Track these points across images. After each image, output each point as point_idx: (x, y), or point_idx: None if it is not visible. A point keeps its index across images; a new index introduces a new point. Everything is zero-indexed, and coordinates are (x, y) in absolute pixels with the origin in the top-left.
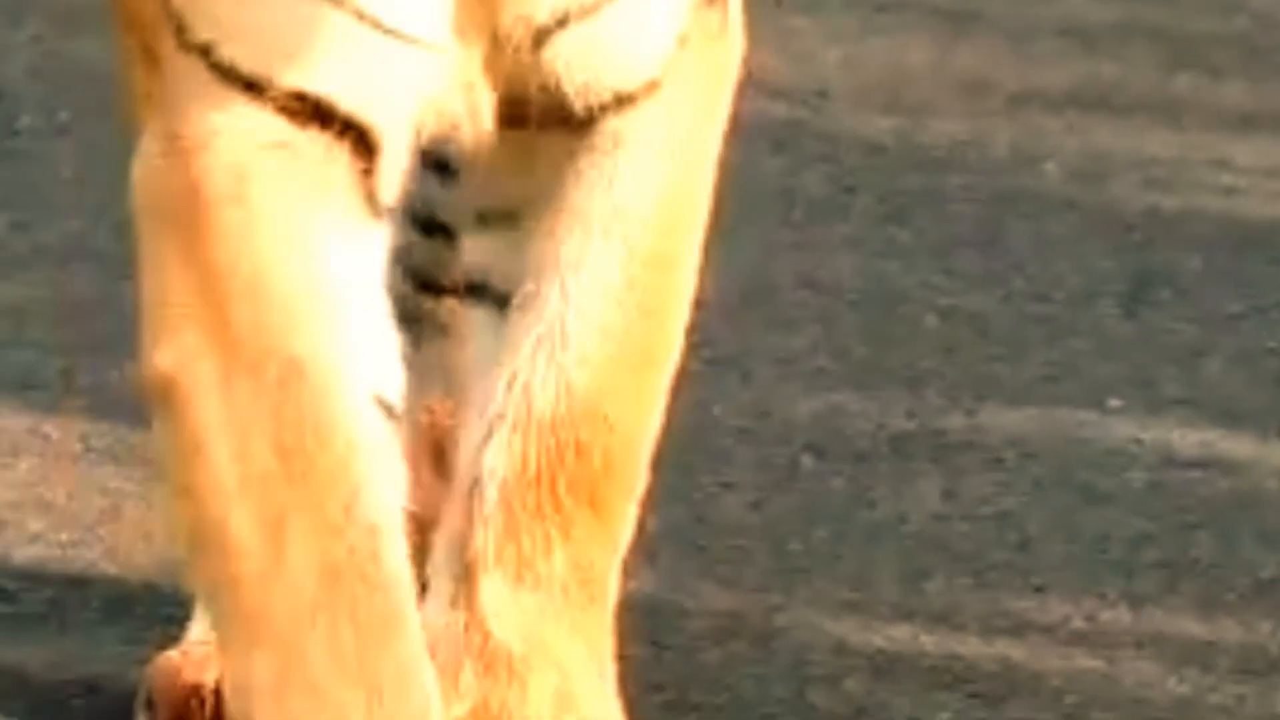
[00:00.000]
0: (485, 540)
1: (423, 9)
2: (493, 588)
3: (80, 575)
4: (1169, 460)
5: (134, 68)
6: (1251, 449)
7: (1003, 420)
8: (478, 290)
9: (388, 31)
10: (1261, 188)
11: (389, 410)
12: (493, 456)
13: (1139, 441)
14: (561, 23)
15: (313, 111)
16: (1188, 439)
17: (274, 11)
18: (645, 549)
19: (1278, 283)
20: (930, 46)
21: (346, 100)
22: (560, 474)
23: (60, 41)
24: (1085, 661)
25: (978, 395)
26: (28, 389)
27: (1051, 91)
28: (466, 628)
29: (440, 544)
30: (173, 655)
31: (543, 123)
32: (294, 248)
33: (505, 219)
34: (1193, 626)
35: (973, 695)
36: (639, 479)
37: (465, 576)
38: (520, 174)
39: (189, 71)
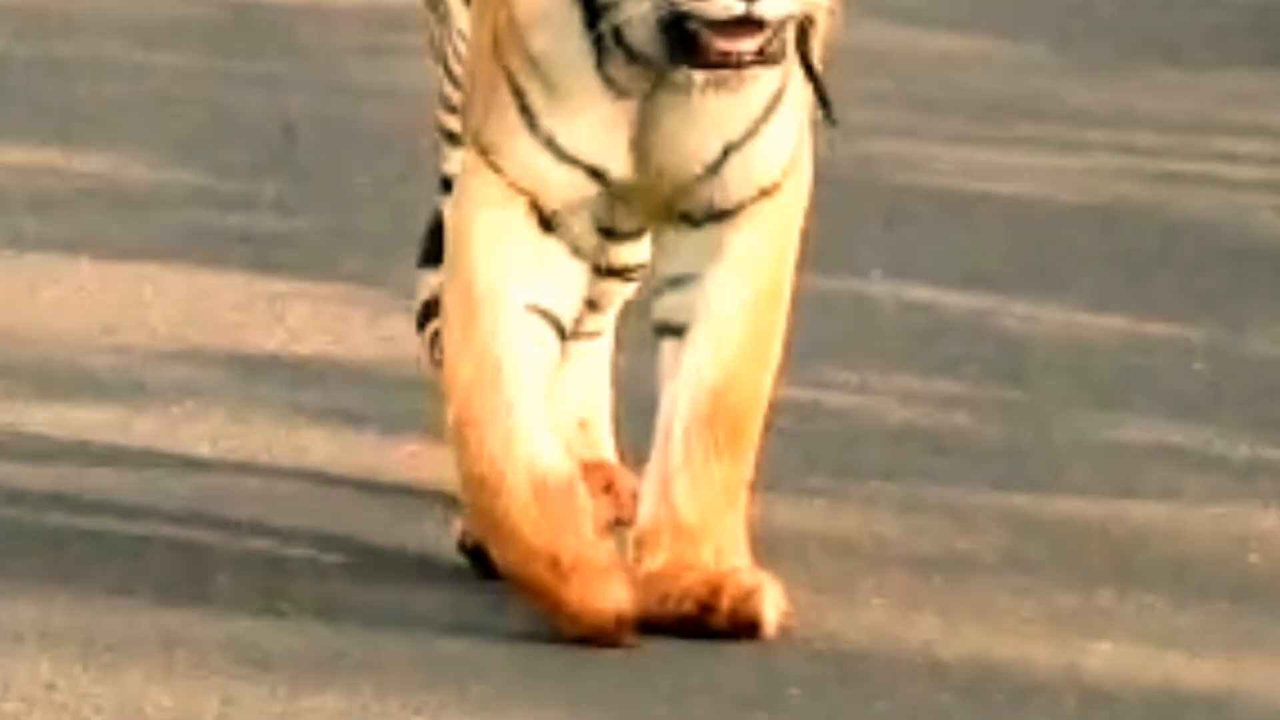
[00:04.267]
0: (676, 462)
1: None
2: (680, 490)
3: (437, 481)
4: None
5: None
6: (972, 301)
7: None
8: (669, 329)
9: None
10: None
11: (559, 330)
12: (679, 415)
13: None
14: (725, 155)
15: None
16: (930, 296)
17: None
18: None
19: (972, 234)
20: None
21: (558, 204)
22: (716, 423)
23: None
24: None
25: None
26: (373, 308)
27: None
28: (665, 511)
29: (650, 470)
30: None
31: (706, 217)
32: (507, 265)
33: (687, 281)
34: (944, 385)
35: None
36: (759, 425)
37: (664, 484)
38: (692, 255)
39: (484, 167)
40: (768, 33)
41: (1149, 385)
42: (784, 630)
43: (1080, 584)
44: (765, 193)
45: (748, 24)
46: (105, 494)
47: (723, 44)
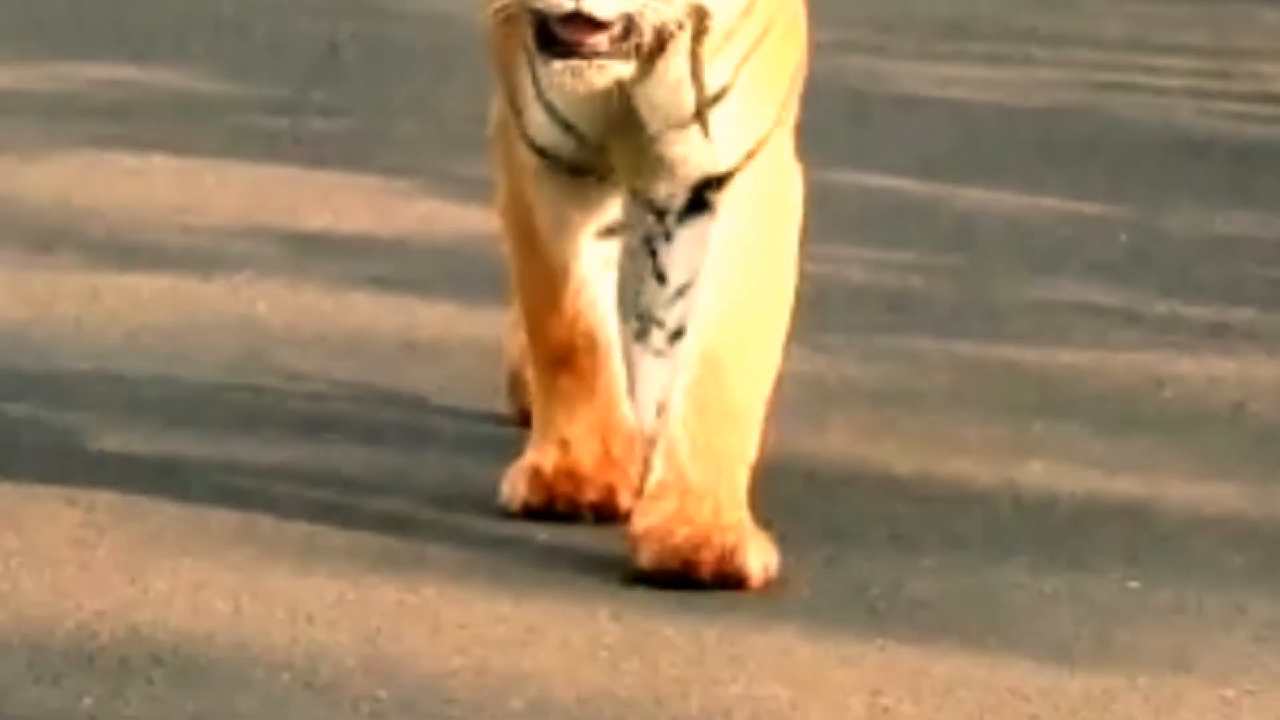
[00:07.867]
0: (678, 435)
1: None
2: (684, 454)
3: (465, 337)
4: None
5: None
6: (926, 188)
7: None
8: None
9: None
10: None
11: (606, 263)
12: (680, 390)
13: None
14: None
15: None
16: (890, 183)
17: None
18: None
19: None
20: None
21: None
22: (715, 395)
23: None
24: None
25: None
26: (408, 195)
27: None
28: (671, 475)
29: (659, 440)
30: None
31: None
32: (555, 206)
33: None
34: (901, 255)
35: None
36: (761, 404)
37: (669, 449)
38: (686, 258)
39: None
40: (612, 30)
41: (1079, 254)
42: (762, 455)
43: (1016, 416)
44: (720, 181)
45: (589, 20)
46: (176, 347)
47: (568, 35)
